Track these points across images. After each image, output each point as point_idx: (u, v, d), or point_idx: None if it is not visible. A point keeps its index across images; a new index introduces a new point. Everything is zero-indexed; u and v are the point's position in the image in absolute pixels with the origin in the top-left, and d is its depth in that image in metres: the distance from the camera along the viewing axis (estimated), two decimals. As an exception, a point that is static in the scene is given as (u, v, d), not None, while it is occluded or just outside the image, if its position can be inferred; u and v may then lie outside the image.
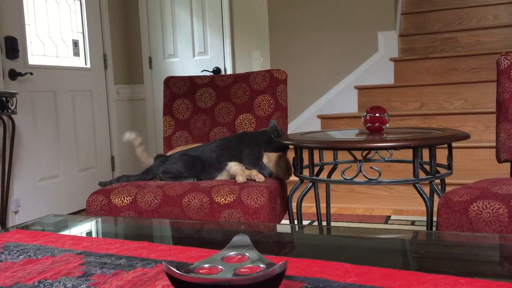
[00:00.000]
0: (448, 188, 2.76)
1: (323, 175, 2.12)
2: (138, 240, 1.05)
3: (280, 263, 0.69)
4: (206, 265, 0.78)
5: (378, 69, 4.20)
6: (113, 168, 4.09)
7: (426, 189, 2.42)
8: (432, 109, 3.85)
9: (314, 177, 1.86)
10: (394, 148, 1.67)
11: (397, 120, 3.68)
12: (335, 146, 1.80)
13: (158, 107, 4.20)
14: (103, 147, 3.99)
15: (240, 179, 1.86)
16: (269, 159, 2.04)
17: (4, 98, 2.68)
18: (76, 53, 3.78)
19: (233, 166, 1.96)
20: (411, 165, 1.73)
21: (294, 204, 2.96)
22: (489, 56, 3.90)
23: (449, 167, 1.85)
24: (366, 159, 1.97)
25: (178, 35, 4.08)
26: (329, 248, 1.00)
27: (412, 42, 4.41)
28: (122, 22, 4.23)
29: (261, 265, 0.76)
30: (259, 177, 1.89)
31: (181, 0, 4.04)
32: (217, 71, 3.93)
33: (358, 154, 1.96)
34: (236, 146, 2.02)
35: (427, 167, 1.91)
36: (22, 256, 0.98)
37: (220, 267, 0.77)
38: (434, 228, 2.16)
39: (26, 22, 3.30)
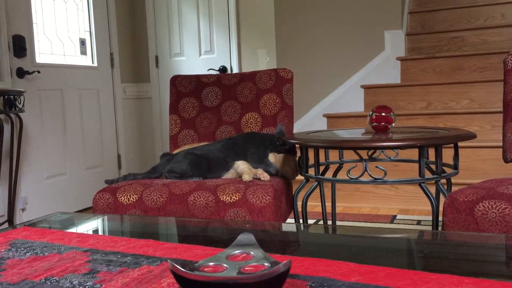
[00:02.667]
0: (454, 188, 2.75)
1: (329, 174, 2.12)
2: (144, 238, 1.06)
3: (285, 261, 0.69)
4: (211, 263, 0.78)
5: (384, 68, 4.19)
6: (119, 167, 4.10)
7: (432, 189, 2.41)
8: (439, 108, 3.83)
9: (320, 176, 1.86)
10: (400, 147, 1.67)
11: (404, 119, 3.67)
12: (341, 146, 1.80)
13: (165, 105, 4.21)
14: (110, 145, 4.01)
15: (247, 177, 1.87)
16: (276, 158, 2.05)
17: (12, 96, 2.70)
18: (83, 52, 3.79)
19: (241, 165, 1.96)
20: (417, 165, 1.73)
21: (299, 203, 2.96)
22: (496, 55, 3.88)
23: (455, 166, 1.85)
24: (371, 159, 1.97)
25: (185, 34, 4.09)
26: (334, 247, 1.00)
27: (419, 41, 4.40)
28: (129, 21, 4.24)
29: (266, 264, 0.76)
30: (264, 176, 1.89)
31: (187, -1, 4.05)
32: (223, 70, 3.94)
33: (363, 154, 1.96)
34: (242, 145, 2.03)
35: (433, 166, 1.91)
36: (29, 253, 0.98)
37: (225, 265, 0.77)
38: (440, 228, 2.15)
39: (34, 20, 3.31)
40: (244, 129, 2.29)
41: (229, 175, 2.02)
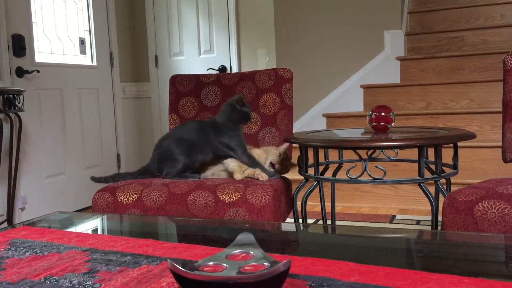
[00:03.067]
0: (453, 188, 2.75)
1: (328, 174, 2.12)
2: (143, 237, 1.06)
3: (284, 261, 0.69)
4: (211, 263, 0.78)
5: (384, 68, 4.19)
6: (118, 166, 4.10)
7: (432, 189, 2.40)
8: (438, 108, 3.84)
9: (319, 176, 1.86)
10: (399, 147, 1.67)
11: (403, 119, 3.67)
12: (340, 145, 1.80)
13: (164, 105, 4.21)
14: (109, 145, 4.01)
15: (238, 176, 1.88)
16: (267, 153, 2.03)
17: (11, 96, 2.69)
18: (83, 51, 3.79)
19: (230, 163, 1.96)
20: (416, 165, 1.73)
21: (299, 203, 2.96)
22: (495, 55, 3.88)
23: (455, 166, 1.85)
24: (371, 158, 1.97)
25: (184, 34, 4.09)
26: (334, 247, 1.00)
27: (419, 41, 4.40)
28: (129, 20, 4.24)
29: (266, 263, 0.76)
30: (262, 176, 1.89)
31: (187, -1, 4.05)
32: (222, 69, 3.93)
33: (363, 153, 1.96)
34: (213, 142, 2.00)
35: (432, 166, 1.91)
36: (29, 253, 0.98)
37: (225, 265, 0.77)
38: (439, 228, 2.15)
39: (33, 20, 3.31)
40: (244, 129, 2.28)
41: (216, 170, 2.02)
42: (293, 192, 2.01)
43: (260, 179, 1.88)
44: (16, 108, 2.73)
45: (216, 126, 2.01)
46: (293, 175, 2.21)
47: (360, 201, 3.31)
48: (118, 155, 4.10)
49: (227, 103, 2.05)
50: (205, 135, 1.99)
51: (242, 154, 1.97)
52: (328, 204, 3.01)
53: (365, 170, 1.71)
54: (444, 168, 1.90)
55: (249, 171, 1.93)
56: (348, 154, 2.35)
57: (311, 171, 1.92)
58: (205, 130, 2.00)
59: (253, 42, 3.89)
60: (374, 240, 1.02)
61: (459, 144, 3.10)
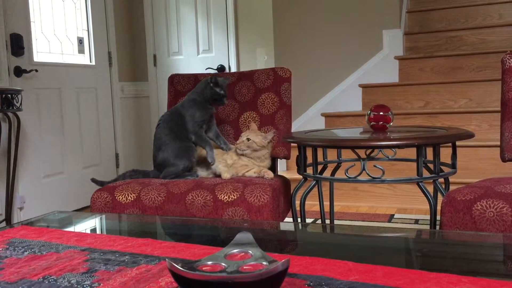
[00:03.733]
0: (452, 187, 2.75)
1: (327, 173, 2.12)
2: (142, 237, 1.06)
3: (283, 260, 0.69)
4: (210, 262, 0.78)
5: (382, 68, 4.19)
6: (117, 165, 4.10)
7: (430, 188, 2.41)
8: (437, 107, 3.84)
9: (318, 175, 1.86)
10: (398, 146, 1.67)
11: (401, 118, 3.67)
12: (339, 144, 1.80)
13: (163, 104, 4.21)
14: (108, 144, 4.01)
15: (227, 176, 1.90)
16: (253, 132, 2.02)
17: (9, 95, 2.69)
18: (81, 51, 3.78)
19: (218, 165, 1.98)
20: (414, 164, 1.73)
21: (297, 202, 2.96)
22: (494, 54, 3.89)
23: (453, 166, 1.85)
24: (369, 158, 1.98)
25: (183, 33, 4.08)
26: (332, 246, 1.00)
27: (417, 40, 4.40)
28: (127, 20, 4.23)
29: (264, 263, 0.76)
30: (268, 174, 1.92)
31: (185, -2, 4.05)
32: (221, 69, 3.93)
33: (362, 153, 1.96)
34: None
35: (431, 165, 1.91)
36: (27, 252, 0.98)
37: (223, 264, 0.77)
38: (437, 227, 2.16)
39: (32, 19, 3.30)
40: (242, 128, 2.28)
41: (205, 173, 2.04)
42: (291, 192, 2.01)
43: (266, 176, 1.90)
44: (15, 108, 2.73)
45: (180, 113, 2.04)
46: (292, 174, 2.21)
47: (358, 200, 3.31)
48: (117, 155, 4.10)
49: (204, 79, 2.09)
50: (180, 126, 2.01)
51: (191, 133, 2.00)
52: (326, 204, 3.01)
53: (363, 169, 1.71)
54: (442, 167, 1.91)
55: (256, 169, 1.95)
56: (347, 154, 2.35)
57: (309, 171, 1.92)
58: (176, 122, 2.03)
59: (252, 42, 3.89)
60: (372, 240, 1.03)
61: (458, 143, 3.10)
